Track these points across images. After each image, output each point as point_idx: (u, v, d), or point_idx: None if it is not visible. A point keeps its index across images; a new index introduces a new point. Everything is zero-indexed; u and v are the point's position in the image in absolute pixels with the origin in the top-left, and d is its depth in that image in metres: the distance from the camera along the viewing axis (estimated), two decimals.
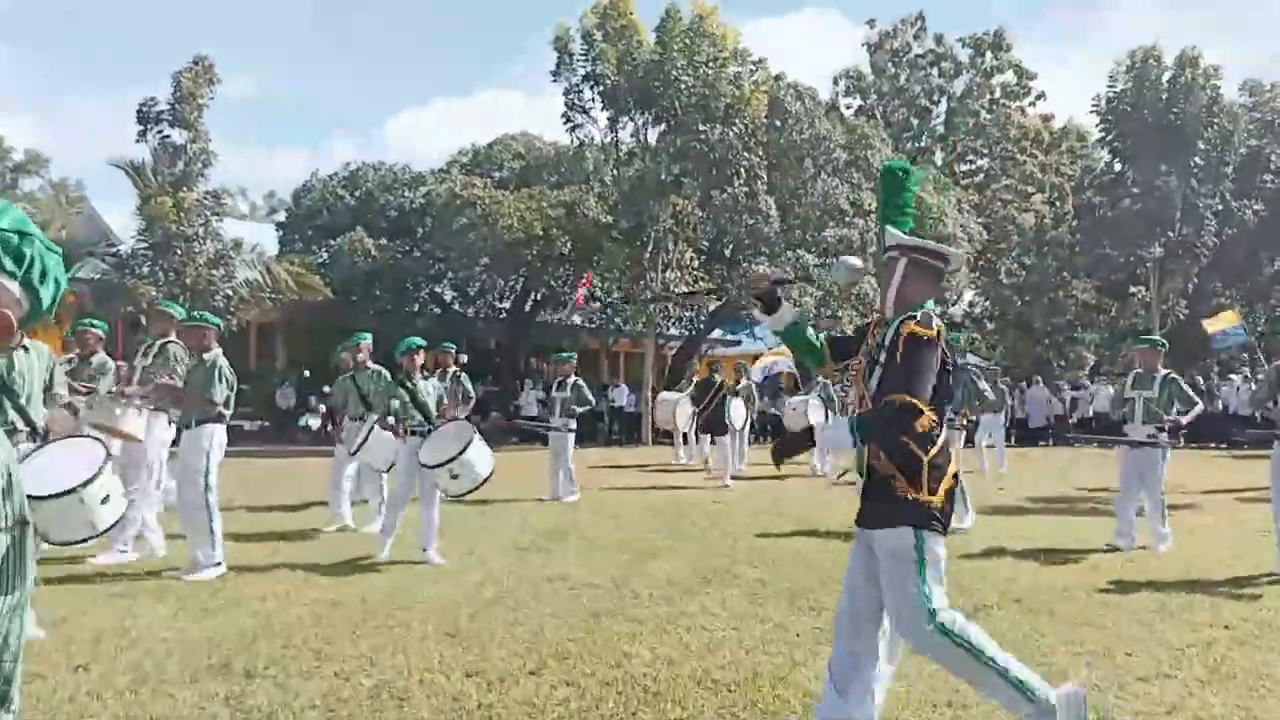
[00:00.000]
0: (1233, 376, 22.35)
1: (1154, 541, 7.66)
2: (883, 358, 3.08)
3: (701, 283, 23.65)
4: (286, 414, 23.23)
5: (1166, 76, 27.16)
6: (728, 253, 24.09)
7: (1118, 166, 29.30)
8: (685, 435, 16.79)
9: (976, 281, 30.73)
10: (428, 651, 4.47)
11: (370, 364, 9.15)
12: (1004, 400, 15.92)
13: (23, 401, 4.72)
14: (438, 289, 28.32)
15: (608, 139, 23.54)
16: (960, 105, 34.40)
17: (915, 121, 34.93)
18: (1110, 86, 27.94)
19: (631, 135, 23.27)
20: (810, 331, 3.47)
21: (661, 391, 18.43)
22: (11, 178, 43.41)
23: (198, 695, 3.85)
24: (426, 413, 7.15)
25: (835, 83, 35.01)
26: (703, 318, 27.81)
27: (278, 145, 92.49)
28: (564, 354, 11.67)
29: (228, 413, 6.55)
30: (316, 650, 4.48)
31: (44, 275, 1.69)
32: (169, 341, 7.34)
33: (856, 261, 3.70)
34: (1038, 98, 35.02)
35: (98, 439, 5.06)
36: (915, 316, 3.03)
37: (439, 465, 6.62)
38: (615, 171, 23.98)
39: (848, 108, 34.11)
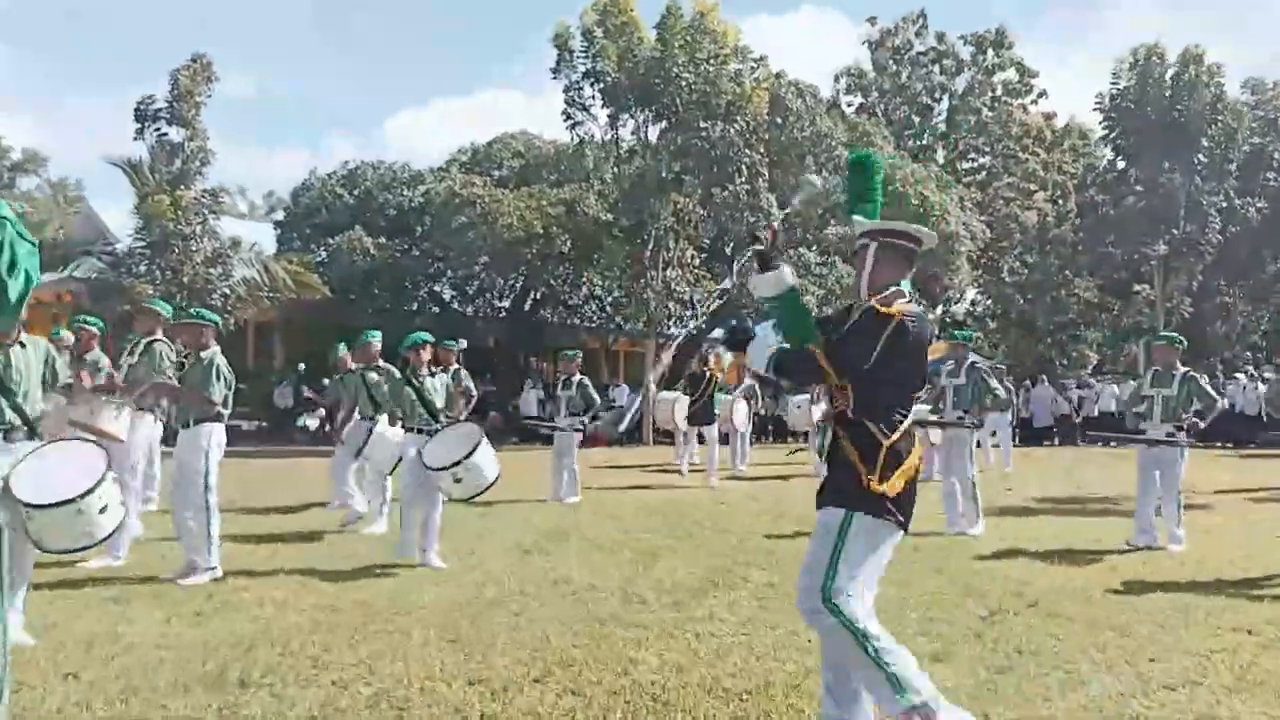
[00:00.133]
0: (1238, 375, 22.18)
1: (1169, 542, 7.54)
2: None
3: (704, 281, 23.50)
4: (284, 414, 23.06)
5: (1170, 74, 27.05)
6: (729, 251, 23.95)
7: (1121, 164, 29.18)
8: (685, 434, 16.63)
9: (979, 280, 30.57)
10: (428, 659, 4.33)
11: (380, 362, 8.99)
12: (1012, 399, 15.80)
13: (19, 400, 4.59)
14: (437, 288, 28.17)
15: (608, 136, 23.40)
16: (962, 103, 34.26)
17: (917, 119, 34.78)
18: (1114, 84, 27.82)
19: (632, 133, 23.14)
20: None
21: (661, 391, 18.28)
22: (9, 177, 43.21)
23: (190, 706, 3.72)
24: (433, 410, 6.95)
25: (836, 80, 34.90)
26: (704, 317, 27.65)
27: (277, 145, 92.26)
28: (569, 352, 11.54)
29: (226, 412, 6.39)
30: (314, 658, 4.34)
31: (13, 266, 1.55)
32: (155, 340, 7.19)
33: (816, 180, 4.02)
34: (1040, 95, 34.91)
35: (97, 443, 4.91)
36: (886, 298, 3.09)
37: (444, 469, 6.37)
38: (615, 169, 23.84)
39: (849, 105, 33.98)
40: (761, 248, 3.13)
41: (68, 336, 8.24)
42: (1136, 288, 29.40)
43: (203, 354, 6.35)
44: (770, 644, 4.61)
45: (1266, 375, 22.05)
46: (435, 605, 5.41)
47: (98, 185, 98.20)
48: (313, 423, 11.92)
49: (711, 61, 21.85)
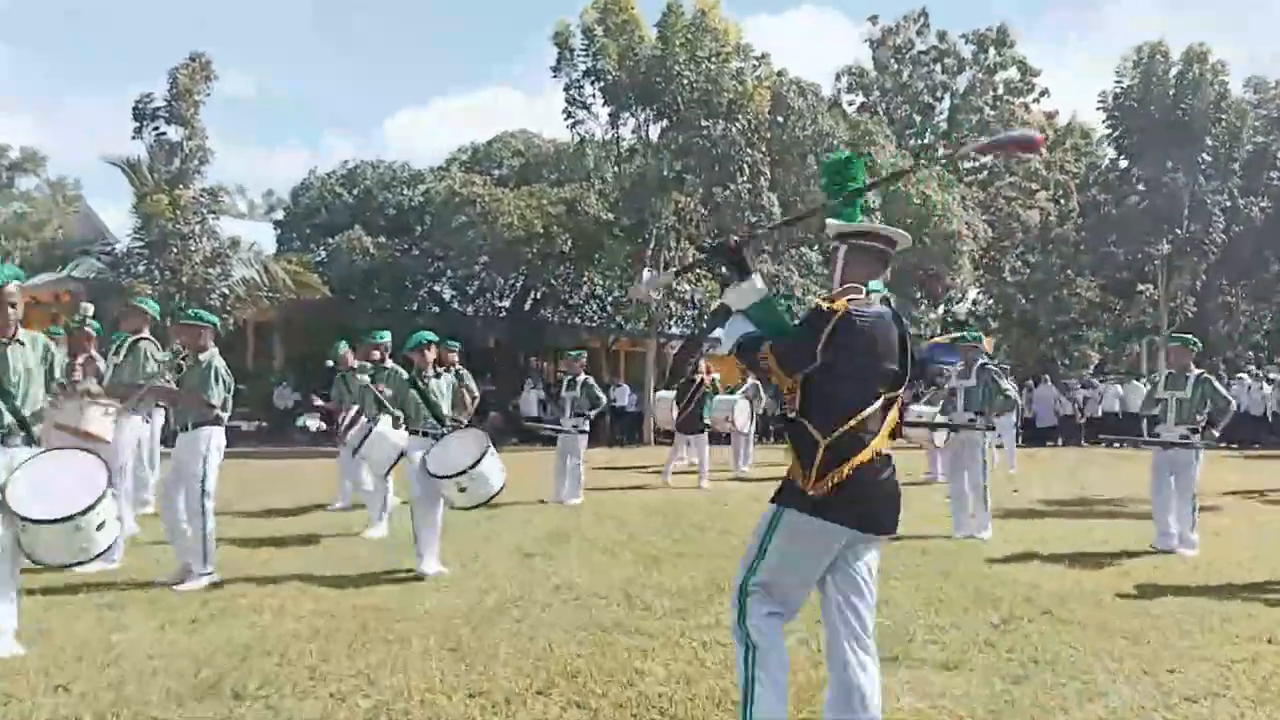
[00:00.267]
0: (1242, 375, 22.05)
1: (1181, 546, 7.45)
2: None
3: (705, 281, 23.37)
4: (284, 414, 22.96)
5: (1174, 72, 26.93)
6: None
7: (1123, 163, 29.06)
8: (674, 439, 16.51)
9: (980, 279, 30.47)
10: (429, 669, 4.22)
11: (389, 362, 8.88)
12: (1018, 400, 15.70)
13: (18, 403, 4.44)
14: (437, 287, 28.02)
15: (609, 135, 23.29)
16: (964, 102, 34.13)
17: (918, 118, 34.64)
18: (1117, 82, 27.69)
19: (633, 131, 23.02)
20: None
21: (661, 390, 18.18)
22: (8, 176, 43.10)
23: (183, 719, 3.61)
24: (438, 413, 6.76)
25: (838, 79, 34.79)
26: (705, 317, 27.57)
27: (277, 145, 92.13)
28: (573, 352, 11.43)
29: (225, 415, 6.28)
30: (312, 668, 4.23)
31: None
32: (141, 338, 7.07)
33: (647, 273, 3.72)
34: (1041, 94, 34.79)
35: (98, 454, 4.75)
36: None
37: (448, 477, 6.17)
38: (616, 168, 23.72)
39: (850, 104, 33.85)
40: (737, 258, 3.14)
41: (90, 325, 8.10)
42: (1140, 287, 29.28)
43: (201, 356, 6.23)
44: None
45: (1272, 376, 21.93)
46: (436, 612, 5.30)
47: (97, 185, 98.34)
48: (313, 423, 11.80)
49: (713, 60, 21.73)
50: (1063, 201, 31.94)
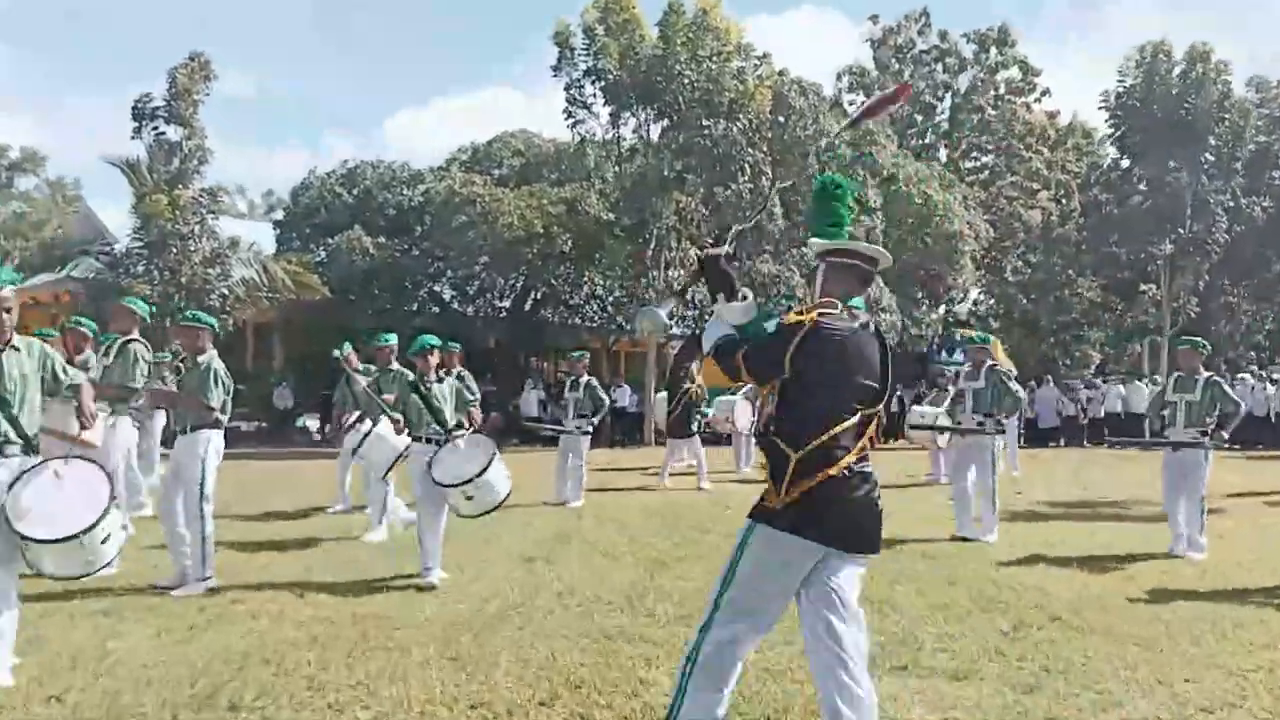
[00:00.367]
0: (1244, 376, 21.96)
1: (1189, 549, 7.38)
2: None
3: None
4: (284, 414, 22.89)
5: (1177, 71, 26.84)
6: (731, 250, 23.71)
7: (1125, 163, 28.98)
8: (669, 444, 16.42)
9: (982, 279, 30.36)
10: (429, 679, 4.14)
11: (395, 364, 8.80)
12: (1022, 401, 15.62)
13: (15, 410, 4.27)
14: (436, 288, 27.92)
15: (609, 135, 23.18)
16: (965, 101, 34.02)
17: (919, 118, 34.54)
18: (1120, 81, 27.61)
19: (634, 131, 22.91)
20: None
21: (662, 391, 18.09)
22: (8, 176, 43.01)
23: None
24: (441, 419, 6.61)
25: (839, 79, 34.68)
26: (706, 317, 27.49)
27: (277, 145, 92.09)
28: (575, 353, 11.35)
29: (224, 418, 6.19)
30: (309, 677, 4.15)
31: None
32: (131, 340, 6.99)
33: (661, 312, 3.35)
34: (1043, 94, 34.68)
35: (100, 465, 4.64)
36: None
37: (454, 485, 6.06)
38: (617, 168, 23.64)
39: (851, 104, 33.74)
40: (719, 279, 3.19)
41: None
42: (1142, 287, 29.20)
43: (200, 358, 6.15)
44: (785, 662, 4.41)
45: (1275, 376, 21.83)
46: (436, 619, 5.23)
47: (96, 185, 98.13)
48: (313, 424, 11.72)
49: (714, 59, 21.64)
50: (1064, 201, 31.85)
